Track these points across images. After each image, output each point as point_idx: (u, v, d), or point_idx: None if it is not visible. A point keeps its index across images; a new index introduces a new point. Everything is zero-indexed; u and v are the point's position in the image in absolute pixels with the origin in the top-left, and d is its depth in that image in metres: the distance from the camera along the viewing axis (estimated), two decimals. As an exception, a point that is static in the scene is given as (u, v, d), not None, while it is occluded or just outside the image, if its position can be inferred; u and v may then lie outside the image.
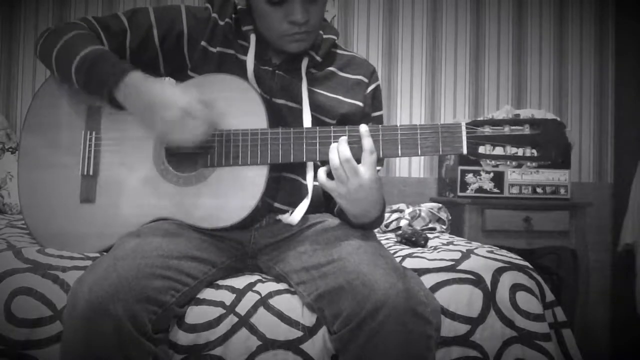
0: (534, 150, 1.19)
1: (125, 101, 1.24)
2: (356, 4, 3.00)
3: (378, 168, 1.43)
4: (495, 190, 2.58)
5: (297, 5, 1.26)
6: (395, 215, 2.28)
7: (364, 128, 1.20)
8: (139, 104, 1.22)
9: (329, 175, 1.22)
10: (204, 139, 1.23)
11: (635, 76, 2.96)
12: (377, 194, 1.22)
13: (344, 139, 1.20)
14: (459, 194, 2.58)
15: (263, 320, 1.23)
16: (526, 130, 1.20)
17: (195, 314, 1.21)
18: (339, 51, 1.47)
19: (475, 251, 1.49)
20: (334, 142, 1.22)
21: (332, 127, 1.26)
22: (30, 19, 2.81)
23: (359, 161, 1.19)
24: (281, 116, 1.37)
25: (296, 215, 1.33)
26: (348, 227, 1.31)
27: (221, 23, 1.39)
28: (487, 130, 1.20)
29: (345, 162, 1.17)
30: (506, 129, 1.20)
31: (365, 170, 1.18)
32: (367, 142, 1.19)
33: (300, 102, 1.37)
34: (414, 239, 1.72)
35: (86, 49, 1.26)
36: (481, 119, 1.23)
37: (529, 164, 1.20)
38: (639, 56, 2.94)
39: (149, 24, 1.36)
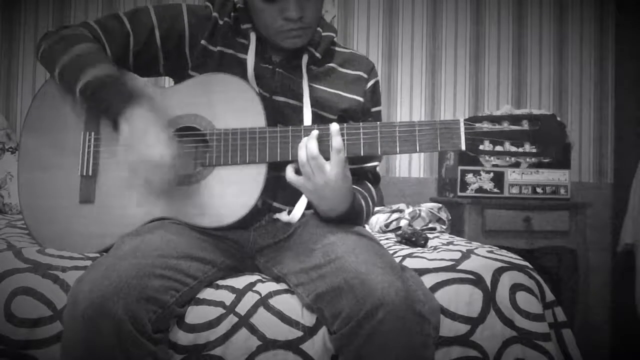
0: (533, 147, 1.19)
1: (123, 126, 1.27)
2: (356, 4, 3.00)
3: (376, 163, 1.44)
4: (495, 190, 2.58)
5: (291, 1, 1.27)
6: (395, 215, 2.28)
7: (334, 127, 1.23)
8: (131, 134, 1.25)
9: (298, 172, 1.25)
10: (165, 189, 1.28)
11: (635, 76, 2.96)
12: (343, 191, 1.25)
13: (314, 135, 1.22)
14: (459, 194, 2.58)
15: (263, 320, 1.22)
16: (525, 126, 1.20)
17: (195, 314, 1.21)
18: (338, 48, 1.48)
19: (475, 251, 1.49)
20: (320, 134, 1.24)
21: (330, 125, 1.26)
22: (30, 19, 2.81)
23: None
24: (282, 114, 1.37)
25: (295, 213, 1.33)
26: (346, 225, 1.32)
27: (221, 22, 1.39)
28: (485, 126, 1.20)
29: (311, 159, 1.21)
30: (505, 125, 1.20)
31: (331, 168, 1.20)
32: (335, 142, 1.22)
33: (301, 99, 1.37)
34: (414, 239, 1.72)
35: (89, 75, 1.27)
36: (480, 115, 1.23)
37: (528, 159, 1.19)
38: (639, 56, 2.94)
39: (150, 24, 1.36)
